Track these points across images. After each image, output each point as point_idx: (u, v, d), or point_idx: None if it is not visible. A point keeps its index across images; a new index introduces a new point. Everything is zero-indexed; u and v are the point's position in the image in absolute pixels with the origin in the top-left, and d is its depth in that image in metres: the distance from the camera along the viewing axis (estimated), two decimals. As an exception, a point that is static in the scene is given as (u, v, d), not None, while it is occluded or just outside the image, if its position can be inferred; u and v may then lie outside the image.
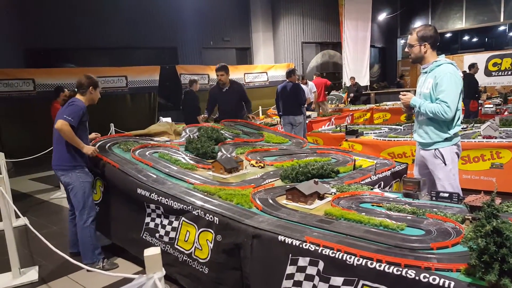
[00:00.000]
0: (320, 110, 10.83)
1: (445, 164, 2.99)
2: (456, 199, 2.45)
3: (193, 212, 2.66)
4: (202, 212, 2.61)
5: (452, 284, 1.52)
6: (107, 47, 11.85)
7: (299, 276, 1.99)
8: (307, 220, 2.28)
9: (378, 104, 11.77)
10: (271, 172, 3.43)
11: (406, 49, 3.07)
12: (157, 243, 2.96)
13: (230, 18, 14.28)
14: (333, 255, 1.88)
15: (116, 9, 11.55)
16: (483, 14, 18.13)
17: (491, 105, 8.56)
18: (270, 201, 2.66)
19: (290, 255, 2.04)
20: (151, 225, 3.05)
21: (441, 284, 1.54)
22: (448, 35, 19.30)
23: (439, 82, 2.85)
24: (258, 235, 2.21)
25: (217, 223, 2.48)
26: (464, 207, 2.26)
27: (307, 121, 8.43)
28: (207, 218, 2.56)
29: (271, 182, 3.14)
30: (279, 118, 7.54)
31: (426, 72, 3.01)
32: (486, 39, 21.20)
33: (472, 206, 2.01)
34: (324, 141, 6.63)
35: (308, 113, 9.27)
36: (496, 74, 16.64)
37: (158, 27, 12.29)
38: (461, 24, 18.46)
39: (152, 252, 1.57)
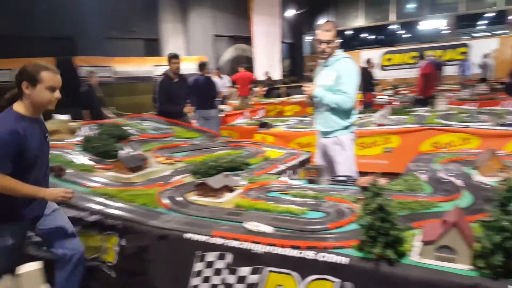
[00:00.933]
0: (244, 104, 10.82)
1: (344, 150, 3.26)
2: (352, 182, 2.68)
3: (91, 218, 2.45)
4: (101, 217, 2.42)
5: (346, 260, 1.67)
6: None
7: (208, 272, 1.99)
8: (216, 214, 2.28)
9: (288, 98, 12.29)
10: (181, 168, 3.35)
11: (323, 46, 3.13)
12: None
13: (136, 7, 13.53)
14: (240, 246, 1.92)
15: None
16: (378, 13, 20.01)
17: (384, 96, 9.55)
18: (179, 198, 2.60)
19: (198, 252, 2.03)
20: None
21: (336, 261, 1.68)
22: (348, 32, 20.91)
23: (341, 74, 3.08)
24: (163, 235, 2.14)
25: (119, 227, 2.34)
26: (358, 189, 2.48)
27: (221, 115, 8.44)
28: (108, 223, 2.39)
29: (180, 179, 3.07)
30: (192, 113, 7.42)
31: (327, 66, 3.22)
32: (381, 36, 23.47)
33: (363, 187, 2.22)
34: (239, 134, 6.72)
35: (221, 106, 9.29)
36: (389, 69, 18.53)
37: (52, 14, 11.06)
38: (359, 22, 20.15)
39: (28, 268, 1.38)
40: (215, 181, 2.59)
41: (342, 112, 3.18)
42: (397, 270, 1.55)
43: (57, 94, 2.13)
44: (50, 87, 2.08)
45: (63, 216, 2.39)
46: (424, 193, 2.36)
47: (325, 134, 3.31)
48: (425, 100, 7.51)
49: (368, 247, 1.62)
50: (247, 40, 16.58)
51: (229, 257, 1.95)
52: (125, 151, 3.81)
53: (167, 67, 5.39)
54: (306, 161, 3.83)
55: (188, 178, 3.08)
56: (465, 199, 2.20)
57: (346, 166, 3.26)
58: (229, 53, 16.41)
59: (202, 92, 7.04)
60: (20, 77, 2.05)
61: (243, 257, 1.91)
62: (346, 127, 3.25)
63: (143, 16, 13.82)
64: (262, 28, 15.86)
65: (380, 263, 1.59)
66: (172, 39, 14.45)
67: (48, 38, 11.42)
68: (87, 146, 3.76)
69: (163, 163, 3.50)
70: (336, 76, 3.11)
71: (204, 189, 2.60)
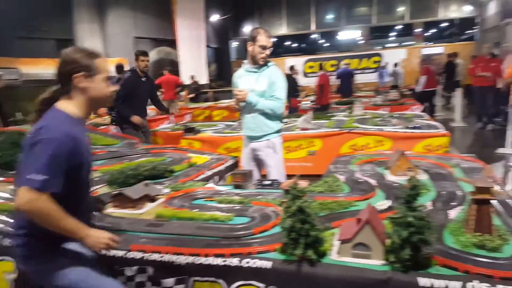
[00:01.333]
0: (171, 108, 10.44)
1: (276, 153, 3.36)
2: (277, 185, 2.72)
3: None
4: None
5: (270, 264, 1.66)
6: None
7: (130, 286, 1.88)
8: (135, 227, 2.15)
9: (216, 102, 12.25)
10: (96, 179, 3.10)
11: (267, 52, 3.21)
12: None
13: (47, 5, 12.48)
14: (161, 258, 1.82)
15: None
16: (299, 22, 20.97)
17: (308, 102, 9.98)
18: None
19: (116, 267, 1.88)
20: None
21: (260, 265, 1.67)
22: (273, 39, 21.60)
23: (274, 81, 3.18)
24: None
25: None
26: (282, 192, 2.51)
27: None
28: (4, 244, 2.08)
29: (94, 190, 2.84)
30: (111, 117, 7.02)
31: (256, 72, 3.24)
32: (303, 44, 24.67)
33: (285, 190, 2.25)
34: (163, 140, 6.50)
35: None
36: (311, 76, 19.46)
37: None
38: (282, 31, 20.90)
39: None
40: (134, 191, 2.44)
41: (275, 116, 3.29)
42: (318, 270, 1.58)
43: (115, 87, 1.71)
44: (107, 78, 1.65)
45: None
46: (343, 193, 2.47)
47: (257, 138, 3.35)
48: (322, 108, 8.09)
49: (290, 249, 1.64)
50: (172, 43, 16.22)
51: (150, 271, 1.85)
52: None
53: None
54: (234, 166, 3.81)
55: (103, 189, 2.87)
56: (378, 198, 2.34)
57: (277, 169, 3.37)
58: (152, 56, 15.89)
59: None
60: (69, 67, 1.57)
61: (165, 269, 1.82)
62: (278, 131, 3.37)
63: (55, 15, 12.78)
64: (186, 31, 15.63)
65: (302, 264, 1.61)
66: (89, 40, 13.57)
67: None
68: (-15, 157, 3.35)
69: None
70: (269, 83, 3.19)
71: (121, 200, 2.43)
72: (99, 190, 2.85)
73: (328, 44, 24.39)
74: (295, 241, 1.62)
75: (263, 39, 3.17)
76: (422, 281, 1.44)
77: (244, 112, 3.38)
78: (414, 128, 5.09)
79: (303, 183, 2.29)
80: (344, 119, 6.37)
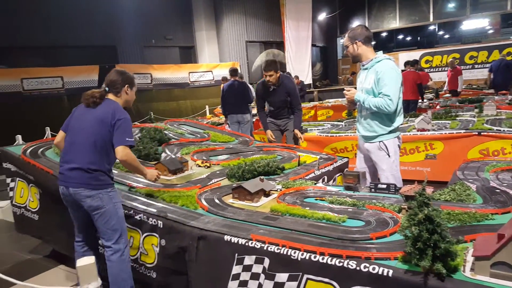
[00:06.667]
0: None
1: (389, 156, 3.12)
2: (393, 190, 2.56)
3: (136, 217, 2.56)
4: (144, 216, 2.52)
5: (391, 272, 1.58)
6: (41, 46, 11.07)
7: (245, 276, 1.97)
8: (253, 218, 2.27)
9: (321, 102, 12.11)
10: (218, 172, 3.38)
11: (345, 52, 3.16)
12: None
13: (172, 16, 13.98)
14: (278, 251, 1.88)
15: (51, 7, 10.82)
16: (414, 14, 19.36)
17: (425, 100, 9.13)
18: (216, 200, 2.62)
19: (236, 254, 2.01)
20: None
21: (380, 272, 1.59)
22: (384, 34, 20.40)
23: (381, 77, 2.94)
24: (203, 236, 2.17)
25: (161, 226, 2.40)
26: (400, 197, 2.36)
27: (254, 120, 8.45)
28: (151, 222, 2.47)
29: (217, 181, 3.09)
30: (225, 117, 7.51)
31: (366, 69, 3.11)
32: (419, 37, 22.73)
33: (406, 196, 2.11)
34: (272, 138, 6.67)
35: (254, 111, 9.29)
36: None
37: (96, 25, 11.72)
38: (395, 24, 19.58)
39: (85, 262, 1.50)
40: (251, 185, 2.58)
41: (386, 116, 3.05)
42: (448, 285, 1.44)
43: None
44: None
45: None
46: (475, 204, 2.21)
47: (368, 139, 3.19)
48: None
49: (415, 259, 1.52)
50: (279, 45, 16.59)
51: (266, 262, 1.91)
52: (166, 154, 3.92)
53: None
54: (343, 167, 3.73)
55: (224, 181, 3.10)
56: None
57: (390, 173, 3.14)
58: (261, 58, 16.49)
59: (237, 97, 7.09)
60: (124, 79, 2.70)
61: (280, 262, 1.87)
62: (391, 132, 3.10)
63: (178, 24, 14.24)
64: (293, 32, 15.82)
65: (429, 277, 1.49)
66: (207, 46, 14.73)
67: (93, 47, 12.05)
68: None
69: (201, 166, 3.55)
70: (376, 79, 3.00)
71: (240, 193, 2.60)
72: (221, 182, 3.09)
73: (447, 36, 21.99)
74: (421, 251, 1.50)
75: (344, 40, 3.12)
76: None
77: (358, 111, 3.27)
78: None
79: (428, 190, 2.12)
80: (471, 119, 5.65)
